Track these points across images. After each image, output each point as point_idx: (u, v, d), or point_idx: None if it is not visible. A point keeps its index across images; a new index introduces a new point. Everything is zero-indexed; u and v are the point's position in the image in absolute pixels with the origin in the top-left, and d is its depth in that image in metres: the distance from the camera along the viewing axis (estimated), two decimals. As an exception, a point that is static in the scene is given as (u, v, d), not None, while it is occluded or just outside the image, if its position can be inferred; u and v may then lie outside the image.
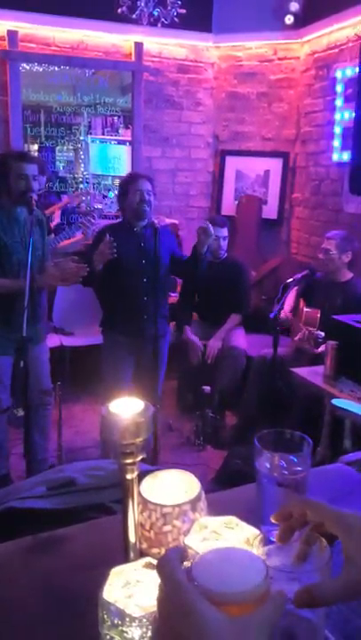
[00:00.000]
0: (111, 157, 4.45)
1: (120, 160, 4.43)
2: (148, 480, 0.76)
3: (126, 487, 0.66)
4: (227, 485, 1.00)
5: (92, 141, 4.38)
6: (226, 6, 4.21)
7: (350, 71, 3.65)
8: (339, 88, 3.79)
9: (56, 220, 4.05)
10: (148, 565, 0.61)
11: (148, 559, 0.63)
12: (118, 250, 2.57)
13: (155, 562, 0.60)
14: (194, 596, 0.41)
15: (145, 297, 2.73)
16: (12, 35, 3.86)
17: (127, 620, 0.54)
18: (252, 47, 4.35)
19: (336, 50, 3.84)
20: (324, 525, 0.53)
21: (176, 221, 4.20)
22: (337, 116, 3.83)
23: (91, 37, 4.09)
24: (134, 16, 3.42)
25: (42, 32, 3.96)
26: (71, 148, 4.34)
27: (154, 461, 2.61)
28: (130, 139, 4.36)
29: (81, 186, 4.37)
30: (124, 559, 0.67)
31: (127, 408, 0.65)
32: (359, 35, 3.56)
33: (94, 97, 4.27)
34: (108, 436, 0.65)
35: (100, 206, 4.10)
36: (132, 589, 0.59)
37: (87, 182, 4.39)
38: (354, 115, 3.39)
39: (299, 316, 3.15)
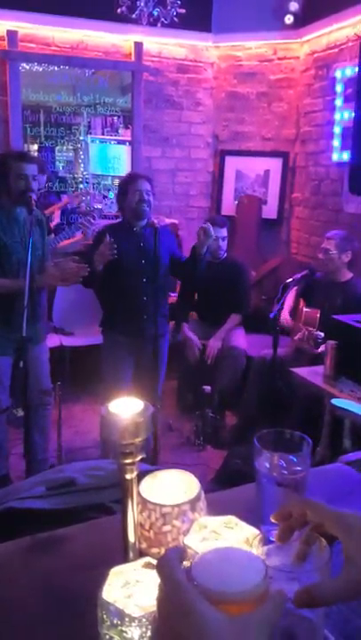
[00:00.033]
0: (111, 157, 4.45)
1: (120, 160, 4.43)
2: (147, 480, 0.76)
3: (126, 487, 0.66)
4: (226, 485, 1.00)
5: (92, 141, 4.39)
6: (225, 6, 4.21)
7: (350, 71, 3.65)
8: (338, 88, 3.79)
9: (56, 219, 4.05)
10: (148, 565, 0.61)
11: (147, 559, 0.63)
12: (118, 250, 2.56)
13: (154, 562, 0.60)
14: (193, 596, 0.41)
15: (145, 297, 2.73)
16: (11, 35, 3.86)
17: (126, 619, 0.54)
18: (252, 47, 4.35)
19: (336, 50, 3.84)
20: (323, 526, 0.53)
21: (176, 221, 4.20)
22: (337, 116, 3.83)
23: (90, 37, 4.09)
24: (134, 16, 3.43)
25: (41, 32, 3.96)
26: (71, 147, 4.34)
27: (154, 461, 2.61)
28: (130, 139, 4.36)
29: (81, 186, 4.37)
30: (124, 559, 0.67)
31: (127, 408, 0.65)
32: (359, 34, 3.56)
33: (94, 97, 4.27)
34: (107, 436, 0.65)
35: (99, 206, 4.10)
36: (131, 589, 0.59)
37: (87, 182, 4.39)
38: (353, 114, 3.39)
39: (298, 316, 3.15)
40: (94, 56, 4.14)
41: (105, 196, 4.35)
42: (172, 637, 0.41)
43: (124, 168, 4.39)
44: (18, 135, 4.01)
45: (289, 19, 4.07)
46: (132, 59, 4.20)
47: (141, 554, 0.70)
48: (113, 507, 0.91)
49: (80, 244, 3.28)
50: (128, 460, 0.65)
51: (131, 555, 0.68)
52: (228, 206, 4.57)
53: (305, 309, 3.07)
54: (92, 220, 3.21)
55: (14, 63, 3.92)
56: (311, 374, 2.58)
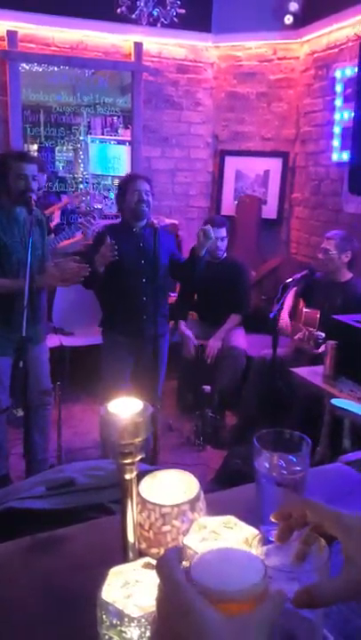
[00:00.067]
0: (111, 157, 4.45)
1: (120, 160, 4.43)
2: (147, 480, 0.76)
3: (125, 487, 0.66)
4: (226, 485, 1.00)
5: (92, 141, 4.39)
6: (225, 6, 4.21)
7: (350, 71, 3.65)
8: (338, 88, 3.79)
9: (56, 220, 4.05)
10: (147, 565, 0.61)
11: (147, 559, 0.63)
12: (118, 250, 2.57)
13: (154, 562, 0.60)
14: (193, 596, 0.41)
15: (144, 297, 2.74)
16: (11, 35, 3.86)
17: (126, 620, 0.54)
18: (252, 47, 4.35)
19: (336, 50, 3.84)
20: (323, 526, 0.53)
21: (176, 221, 4.20)
22: (336, 116, 3.83)
23: (90, 37, 4.09)
24: (134, 16, 3.43)
25: (41, 32, 3.97)
26: (71, 148, 4.34)
27: (153, 461, 2.61)
28: (129, 139, 4.36)
29: (81, 186, 4.37)
30: (123, 559, 0.67)
31: (126, 408, 0.65)
32: (359, 34, 3.57)
33: (94, 97, 4.27)
34: (107, 436, 0.65)
35: (99, 206, 4.10)
36: (130, 589, 0.59)
37: (87, 182, 4.39)
38: (353, 114, 3.39)
39: (298, 316, 3.15)
40: (94, 56, 4.14)
41: (106, 197, 4.35)
42: (171, 637, 0.41)
43: (123, 168, 4.39)
44: (18, 135, 4.01)
45: (289, 19, 4.07)
46: (132, 59, 4.20)
47: (141, 554, 0.70)
48: (112, 507, 0.91)
49: (80, 244, 3.28)
50: (127, 460, 0.65)
51: (130, 555, 0.68)
52: (228, 206, 4.57)
53: (305, 310, 3.07)
54: (93, 221, 3.21)
55: (14, 63, 3.92)
56: (311, 374, 2.58)
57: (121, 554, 0.68)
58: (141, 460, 0.67)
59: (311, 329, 2.94)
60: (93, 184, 4.41)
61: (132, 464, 0.65)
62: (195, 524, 0.69)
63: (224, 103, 4.50)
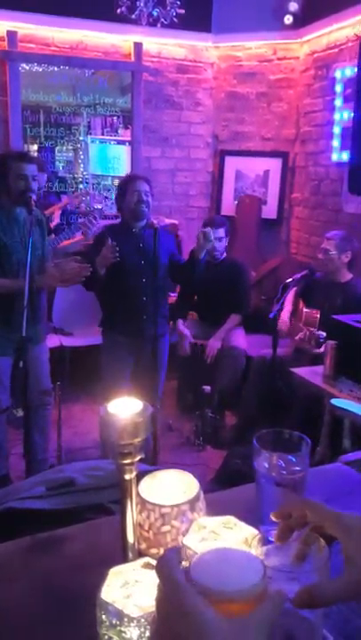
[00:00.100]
0: (111, 157, 4.46)
1: (119, 160, 4.43)
2: (146, 480, 0.76)
3: (124, 487, 0.66)
4: (226, 485, 1.00)
5: (92, 141, 4.39)
6: (225, 6, 4.21)
7: (350, 71, 3.65)
8: (338, 88, 3.79)
9: (56, 220, 4.05)
10: (147, 565, 0.61)
11: (146, 559, 0.63)
12: (118, 251, 2.57)
13: (153, 562, 0.60)
14: (192, 596, 0.41)
15: (144, 297, 2.74)
16: (11, 35, 3.87)
17: (125, 620, 0.54)
18: (252, 47, 4.35)
19: (336, 50, 3.85)
20: (323, 526, 0.53)
21: (176, 221, 4.20)
22: (336, 116, 3.83)
23: (90, 37, 4.09)
24: (134, 16, 3.43)
25: (41, 32, 3.97)
26: (71, 148, 4.34)
27: (153, 461, 2.61)
28: (129, 139, 4.36)
29: (80, 186, 4.37)
30: (123, 559, 0.67)
31: (125, 408, 0.65)
32: (358, 35, 3.57)
33: (94, 97, 4.28)
34: (106, 437, 0.65)
35: (99, 206, 4.10)
36: (130, 589, 0.59)
37: (87, 182, 4.39)
38: (353, 114, 3.39)
39: (299, 316, 3.14)
40: (94, 56, 4.14)
41: (106, 197, 4.35)
42: (171, 637, 0.41)
43: (123, 168, 4.39)
44: (18, 135, 4.01)
45: (289, 19, 4.07)
46: (132, 59, 4.20)
47: (140, 554, 0.70)
48: (112, 507, 0.91)
49: (80, 245, 3.27)
50: (127, 461, 0.65)
51: (130, 555, 0.68)
52: (228, 206, 4.57)
53: (305, 310, 3.07)
54: (94, 221, 3.20)
55: (14, 63, 3.93)
56: (311, 374, 2.58)
57: (121, 554, 0.68)
58: (141, 460, 0.67)
59: (312, 329, 2.94)
60: (93, 184, 4.41)
61: (131, 464, 0.65)
62: (194, 525, 0.69)
63: (224, 103, 4.50)
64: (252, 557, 0.48)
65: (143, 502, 0.73)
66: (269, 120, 4.42)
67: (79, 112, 4.26)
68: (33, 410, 2.51)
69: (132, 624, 0.54)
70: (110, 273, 2.63)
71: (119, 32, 4.05)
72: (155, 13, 3.48)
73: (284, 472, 0.74)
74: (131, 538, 0.68)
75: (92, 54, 4.13)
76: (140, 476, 0.71)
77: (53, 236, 3.26)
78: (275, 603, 0.43)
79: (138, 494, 0.71)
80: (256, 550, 0.54)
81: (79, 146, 4.35)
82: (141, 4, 3.40)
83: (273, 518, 0.55)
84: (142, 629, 0.54)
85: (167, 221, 4.05)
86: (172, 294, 3.44)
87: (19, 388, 2.35)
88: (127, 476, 0.66)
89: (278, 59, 4.33)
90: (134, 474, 0.66)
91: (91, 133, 4.36)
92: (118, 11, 3.38)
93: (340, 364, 2.48)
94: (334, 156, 3.87)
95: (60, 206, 4.15)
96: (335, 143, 3.85)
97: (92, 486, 0.97)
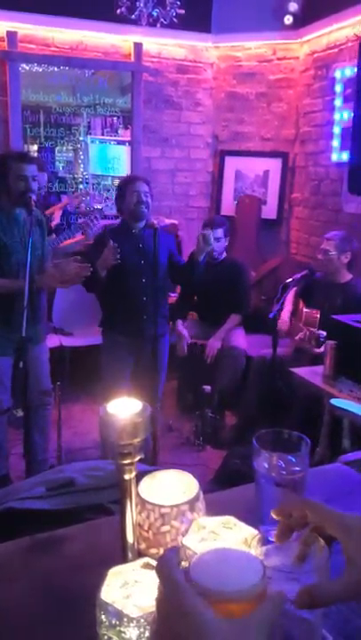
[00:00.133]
0: (111, 158, 4.46)
1: (119, 160, 4.43)
2: (146, 480, 0.76)
3: (124, 487, 0.66)
4: (226, 485, 1.00)
5: (92, 142, 4.39)
6: (225, 6, 4.21)
7: (349, 71, 3.65)
8: (338, 88, 3.79)
9: (56, 220, 4.05)
10: (147, 566, 0.61)
11: (146, 559, 0.63)
12: (119, 252, 2.58)
13: (153, 562, 0.60)
14: (192, 597, 0.41)
15: (144, 297, 2.74)
16: (11, 35, 3.87)
17: (125, 620, 0.54)
18: (252, 47, 4.35)
19: (335, 50, 3.85)
20: (323, 526, 0.53)
21: (176, 222, 4.21)
22: (336, 116, 3.83)
23: (90, 38, 4.09)
24: (133, 16, 3.43)
25: (41, 33, 3.97)
26: (71, 148, 4.34)
27: (153, 462, 2.61)
28: (129, 139, 4.37)
29: (80, 186, 4.37)
30: (123, 560, 0.67)
31: (125, 408, 0.65)
32: (358, 35, 3.57)
33: (94, 97, 4.28)
34: (106, 437, 0.65)
35: (99, 206, 4.10)
36: (130, 590, 0.59)
37: (87, 182, 4.39)
38: (353, 115, 3.39)
39: (299, 316, 3.15)
40: (94, 56, 4.14)
41: (107, 198, 4.34)
42: (171, 637, 0.41)
43: (123, 168, 4.39)
44: (18, 136, 4.01)
45: (288, 19, 4.08)
46: (132, 59, 4.20)
47: (140, 554, 0.70)
48: (112, 507, 0.91)
49: (80, 245, 3.28)
50: (126, 461, 0.65)
51: (129, 555, 0.68)
52: (228, 206, 4.57)
53: (305, 310, 3.07)
54: (95, 221, 3.20)
55: (14, 64, 3.93)
56: (311, 374, 2.59)
57: (120, 554, 0.68)
58: (141, 460, 0.67)
59: (312, 329, 2.94)
60: (93, 184, 4.41)
61: (131, 464, 0.66)
62: (194, 525, 0.69)
63: (224, 103, 4.50)
64: (252, 557, 0.48)
65: (143, 502, 0.73)
66: (269, 120, 4.43)
67: (79, 112, 4.26)
68: (33, 410, 2.52)
69: (131, 624, 0.54)
70: (110, 273, 2.63)
71: (119, 32, 4.05)
72: (155, 14, 3.47)
73: (284, 472, 0.74)
74: (130, 538, 0.68)
75: (91, 54, 4.13)
76: (139, 477, 0.71)
77: (54, 235, 3.26)
78: (275, 603, 0.43)
79: (137, 494, 0.71)
80: (256, 550, 0.54)
81: (79, 146, 4.35)
82: (141, 5, 3.40)
83: (273, 516, 0.55)
84: (142, 629, 0.54)
85: (167, 221, 4.06)
86: (171, 294, 3.44)
87: (19, 388, 2.36)
88: (127, 476, 0.66)
89: (278, 59, 4.33)
90: (134, 474, 0.66)
91: (91, 133, 4.36)
92: (118, 11, 3.38)
93: (340, 364, 2.48)
94: (334, 156, 3.87)
95: (60, 206, 4.15)
96: (335, 143, 3.85)
97: (91, 486, 0.97)
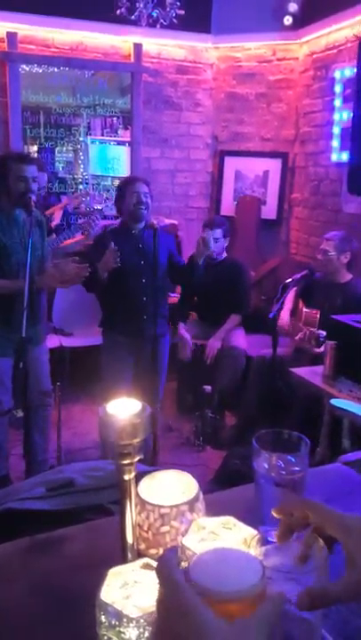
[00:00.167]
0: (110, 158, 4.46)
1: (119, 161, 4.44)
2: (145, 481, 0.76)
3: (124, 488, 0.66)
4: (226, 486, 1.00)
5: (92, 142, 4.39)
6: (225, 7, 4.22)
7: (349, 71, 3.65)
8: (337, 88, 3.80)
9: (57, 220, 4.05)
10: (146, 566, 0.61)
11: (145, 560, 0.63)
12: (118, 251, 2.58)
13: (153, 563, 0.60)
14: (192, 597, 0.41)
15: (144, 297, 2.74)
16: (11, 36, 3.87)
17: (125, 620, 0.54)
18: (251, 48, 4.35)
19: (335, 50, 3.85)
20: (324, 527, 0.53)
21: (175, 222, 4.21)
22: (336, 117, 3.83)
23: (90, 39, 4.09)
24: (133, 17, 3.43)
25: (41, 33, 3.97)
26: (70, 148, 4.34)
27: (153, 462, 2.61)
28: (129, 139, 4.37)
29: (80, 186, 4.38)
30: (122, 560, 0.67)
31: (124, 409, 0.65)
32: (358, 35, 3.57)
33: (93, 98, 4.28)
34: (106, 437, 0.65)
35: (99, 207, 4.10)
36: (129, 590, 0.59)
37: (87, 183, 4.39)
38: (352, 115, 3.40)
39: (299, 316, 3.15)
40: (94, 57, 4.14)
41: (108, 198, 4.34)
42: (171, 638, 0.41)
43: (123, 169, 4.39)
44: (18, 136, 4.01)
45: (288, 20, 4.08)
46: (132, 60, 4.20)
47: (140, 555, 0.70)
48: (112, 508, 0.91)
49: (81, 245, 3.28)
50: (126, 461, 0.65)
51: (129, 555, 0.68)
52: (228, 207, 4.57)
53: (305, 310, 3.07)
54: (96, 222, 3.20)
55: (14, 65, 3.93)
56: (311, 374, 2.59)
57: (120, 554, 0.68)
58: (141, 460, 0.67)
59: (312, 329, 2.94)
60: (93, 185, 4.41)
61: (130, 464, 0.66)
62: (194, 525, 0.69)
63: (223, 104, 4.50)
64: (251, 558, 0.48)
65: (142, 503, 0.73)
66: (269, 120, 4.43)
67: (79, 113, 4.26)
68: (33, 410, 2.52)
69: (131, 625, 0.54)
70: (111, 274, 2.64)
71: (119, 33, 4.05)
72: (154, 14, 3.48)
73: (284, 472, 0.74)
74: (130, 538, 0.68)
75: (91, 55, 4.13)
76: (139, 477, 0.71)
77: (54, 235, 3.26)
78: (275, 604, 0.43)
79: (137, 495, 0.71)
80: (255, 551, 0.54)
81: (79, 147, 4.35)
82: (141, 5, 3.40)
83: (274, 514, 0.55)
84: (141, 630, 0.54)
85: (167, 222, 4.06)
86: (171, 295, 3.44)
87: (19, 388, 2.36)
88: (126, 477, 0.66)
89: (278, 59, 4.33)
90: (133, 474, 0.66)
91: (90, 134, 4.36)
92: (118, 12, 3.38)
93: (340, 364, 2.48)
94: (334, 157, 3.87)
95: (60, 207, 4.15)
96: (335, 143, 3.85)
97: (91, 487, 0.97)
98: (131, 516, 0.67)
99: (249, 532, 0.67)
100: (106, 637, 0.56)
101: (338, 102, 3.80)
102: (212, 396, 3.28)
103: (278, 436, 0.77)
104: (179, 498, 0.74)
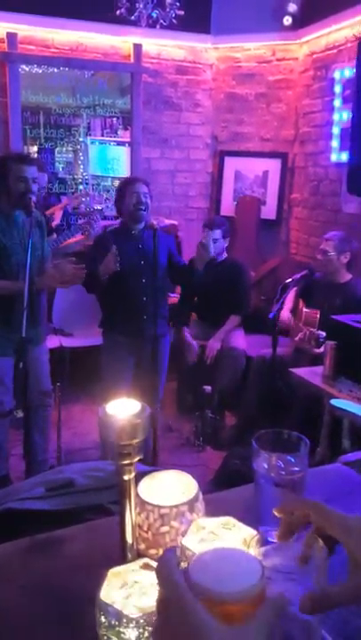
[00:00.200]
0: (110, 158, 4.46)
1: (119, 161, 4.44)
2: (145, 481, 0.76)
3: (123, 488, 0.66)
4: (225, 486, 1.00)
5: (92, 143, 4.39)
6: (224, 7, 4.22)
7: (349, 72, 3.65)
8: (337, 89, 3.80)
9: (57, 220, 4.05)
10: (146, 566, 0.61)
11: (145, 560, 0.63)
12: (118, 251, 2.58)
13: (152, 563, 0.61)
14: (192, 597, 0.41)
15: (144, 297, 2.74)
16: (11, 37, 3.87)
17: (124, 620, 0.54)
18: (251, 48, 4.35)
19: (334, 50, 3.85)
20: (325, 527, 0.53)
21: (175, 222, 4.20)
22: (335, 117, 3.83)
23: (89, 39, 4.09)
24: (133, 18, 3.43)
25: (41, 34, 3.97)
26: (70, 149, 4.35)
27: (153, 462, 2.61)
28: (129, 140, 4.37)
29: (80, 187, 4.38)
30: (122, 560, 0.67)
31: (124, 409, 0.65)
32: (357, 35, 3.57)
33: (93, 98, 4.28)
34: (106, 437, 0.65)
35: (99, 207, 4.10)
36: (129, 590, 0.59)
37: (86, 183, 4.39)
38: (352, 115, 3.40)
39: (298, 316, 3.15)
40: (93, 58, 4.14)
41: (108, 199, 4.34)
42: (170, 638, 0.41)
43: (123, 169, 4.39)
44: (17, 137, 4.01)
45: (288, 20, 4.08)
46: (132, 60, 4.20)
47: (139, 555, 0.70)
48: (111, 508, 0.91)
49: (81, 245, 3.27)
50: (126, 461, 0.65)
51: (129, 556, 0.68)
52: (228, 207, 4.57)
53: (305, 310, 3.07)
54: (96, 222, 3.20)
55: (14, 65, 3.93)
56: (310, 374, 2.59)
57: (120, 555, 0.68)
58: (141, 460, 0.67)
59: (312, 329, 2.94)
60: (93, 185, 4.41)
61: (130, 465, 0.66)
62: (193, 525, 0.69)
63: (223, 104, 4.51)
64: (251, 558, 0.48)
65: (142, 503, 0.73)
66: (268, 121, 4.43)
67: (79, 113, 4.26)
68: (33, 410, 2.52)
69: (130, 625, 0.54)
70: (111, 274, 2.64)
71: (118, 33, 4.05)
72: (154, 15, 3.48)
73: (283, 472, 0.74)
74: (130, 538, 0.68)
75: (91, 56, 4.13)
76: (139, 477, 0.71)
77: (55, 235, 3.26)
78: (275, 605, 0.44)
79: (137, 495, 0.71)
80: (255, 551, 0.54)
81: (79, 147, 4.36)
82: (141, 6, 3.40)
83: (275, 514, 0.55)
84: (141, 630, 0.54)
85: (167, 222, 4.06)
86: (171, 295, 3.44)
87: (19, 388, 2.36)
88: (126, 477, 0.66)
89: (277, 60, 4.34)
90: (133, 474, 0.66)
91: (90, 134, 4.37)
92: (118, 12, 3.38)
93: (340, 365, 2.48)
94: (333, 157, 3.87)
95: (60, 207, 4.15)
96: (334, 144, 3.85)
97: (91, 487, 0.97)
98: (130, 516, 0.67)
99: (249, 533, 0.67)
100: (106, 637, 0.56)
101: (337, 102, 3.80)
102: (212, 396, 3.28)
103: (278, 436, 0.77)
104: (178, 498, 0.74)
